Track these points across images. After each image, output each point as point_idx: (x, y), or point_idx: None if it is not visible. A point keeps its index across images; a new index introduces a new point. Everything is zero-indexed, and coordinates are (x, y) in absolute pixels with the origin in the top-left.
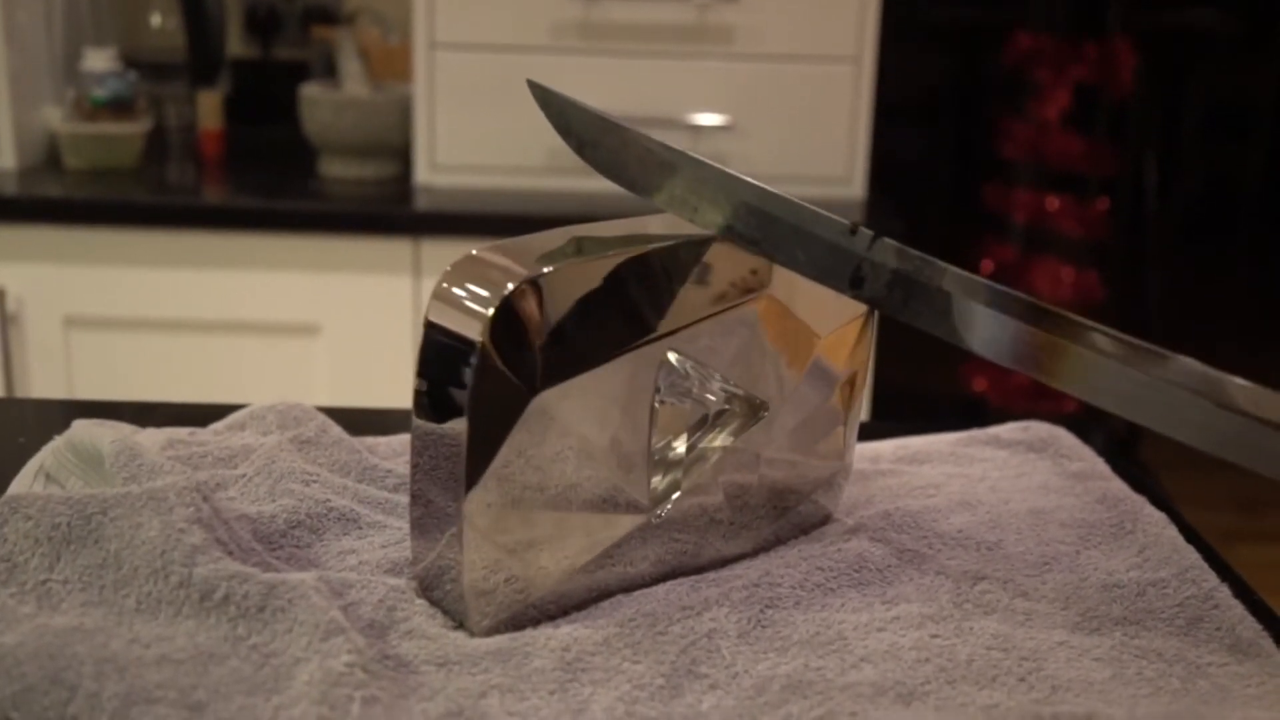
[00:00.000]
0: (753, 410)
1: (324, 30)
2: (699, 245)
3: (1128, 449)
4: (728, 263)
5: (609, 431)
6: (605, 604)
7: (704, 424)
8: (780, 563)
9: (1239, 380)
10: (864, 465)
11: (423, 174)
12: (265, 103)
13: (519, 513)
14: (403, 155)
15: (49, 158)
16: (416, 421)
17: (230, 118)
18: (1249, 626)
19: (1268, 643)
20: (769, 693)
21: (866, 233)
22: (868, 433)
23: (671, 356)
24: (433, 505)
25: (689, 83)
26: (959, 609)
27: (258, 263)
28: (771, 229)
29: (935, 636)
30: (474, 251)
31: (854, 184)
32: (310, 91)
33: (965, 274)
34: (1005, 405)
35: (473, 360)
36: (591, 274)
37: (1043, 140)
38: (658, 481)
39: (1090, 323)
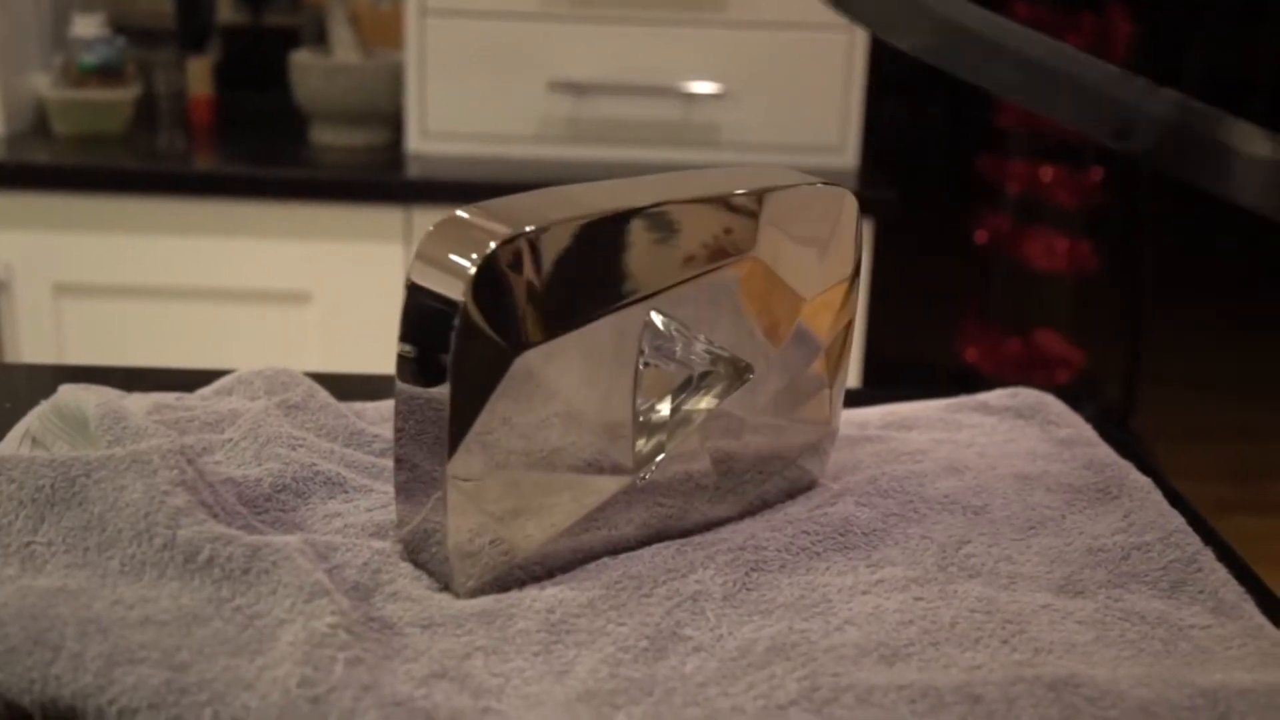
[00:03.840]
0: (737, 373)
1: None
2: (683, 207)
3: (1121, 419)
4: (712, 225)
5: (593, 393)
6: (591, 566)
7: (689, 386)
8: (766, 526)
9: None
10: (851, 431)
11: (414, 141)
12: (256, 69)
13: (504, 475)
14: (394, 122)
15: (38, 124)
16: (400, 385)
17: (220, 84)
18: (1232, 590)
19: (1250, 605)
20: (753, 655)
21: (1144, 80)
22: (857, 400)
23: (655, 318)
24: (417, 469)
25: (681, 50)
26: (944, 572)
27: (248, 230)
28: (1033, 77)
29: (919, 599)
30: (457, 212)
31: (847, 153)
32: (301, 58)
33: (1253, 128)
34: (997, 375)
35: (455, 321)
36: (575, 234)
37: None
38: (642, 444)
39: None
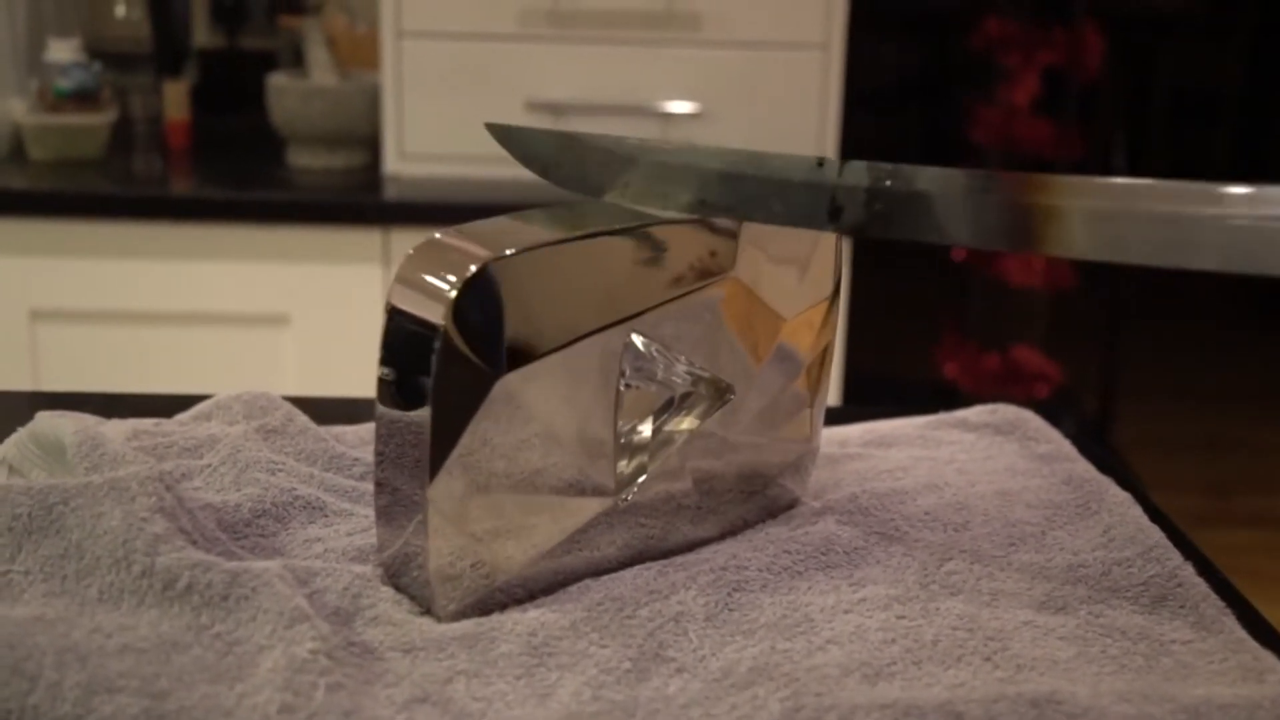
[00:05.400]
0: (718, 393)
1: (291, 19)
2: (662, 228)
3: (1099, 433)
4: (691, 246)
5: (574, 415)
6: (573, 588)
7: (670, 407)
8: (748, 546)
9: (1248, 189)
10: (832, 449)
11: (391, 163)
12: (232, 92)
13: (485, 498)
14: (371, 144)
15: (13, 149)
16: (380, 408)
17: (197, 108)
18: (1212, 604)
19: (1230, 620)
20: (735, 675)
21: (833, 161)
22: (837, 417)
23: (636, 339)
24: (398, 492)
25: (658, 70)
26: (925, 590)
27: (226, 253)
28: (742, 190)
29: (901, 617)
30: (436, 235)
31: None
32: (278, 81)
33: (939, 169)
34: (976, 390)
35: (436, 344)
36: (555, 257)
37: (1012, 125)
38: (624, 466)
39: (1077, 179)
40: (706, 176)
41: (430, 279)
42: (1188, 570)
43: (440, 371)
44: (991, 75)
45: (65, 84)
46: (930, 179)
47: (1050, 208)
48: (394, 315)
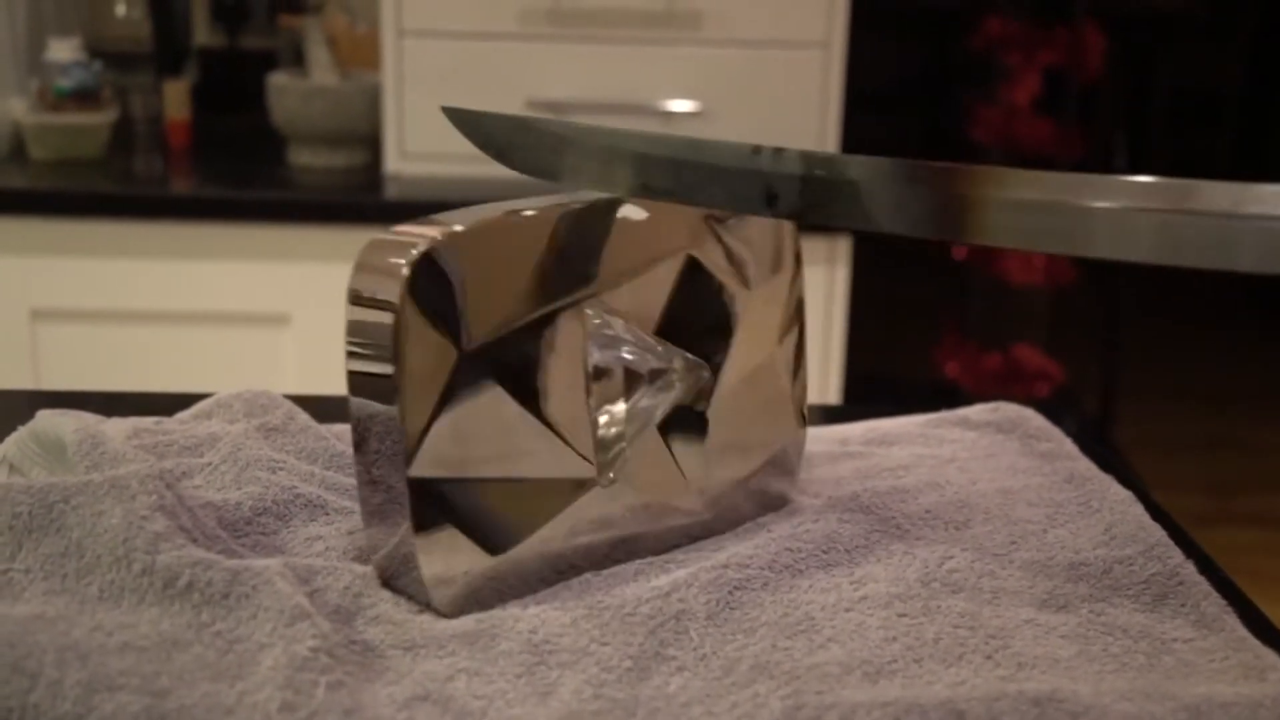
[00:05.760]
0: (691, 371)
1: (291, 19)
2: (616, 204)
3: (1100, 432)
4: (647, 223)
5: (545, 392)
6: (574, 584)
7: (644, 385)
8: (749, 544)
9: (1179, 181)
10: (833, 447)
11: (392, 162)
12: (233, 92)
13: (466, 480)
14: (372, 144)
15: (13, 149)
16: (354, 402)
17: (198, 107)
18: (1214, 602)
19: (1232, 618)
20: (736, 673)
21: (768, 148)
22: (838, 416)
23: (600, 314)
24: (378, 484)
25: (658, 69)
26: (926, 588)
27: (227, 253)
28: (683, 175)
29: (902, 615)
30: (395, 228)
31: None
32: (278, 80)
33: (870, 159)
34: (977, 389)
35: (395, 320)
36: (509, 232)
37: (1013, 125)
38: (605, 440)
39: (1015, 170)
40: (649, 162)
41: (385, 261)
42: (1189, 568)
43: (403, 349)
44: (992, 74)
45: (66, 83)
46: (860, 168)
47: (971, 198)
48: (354, 300)
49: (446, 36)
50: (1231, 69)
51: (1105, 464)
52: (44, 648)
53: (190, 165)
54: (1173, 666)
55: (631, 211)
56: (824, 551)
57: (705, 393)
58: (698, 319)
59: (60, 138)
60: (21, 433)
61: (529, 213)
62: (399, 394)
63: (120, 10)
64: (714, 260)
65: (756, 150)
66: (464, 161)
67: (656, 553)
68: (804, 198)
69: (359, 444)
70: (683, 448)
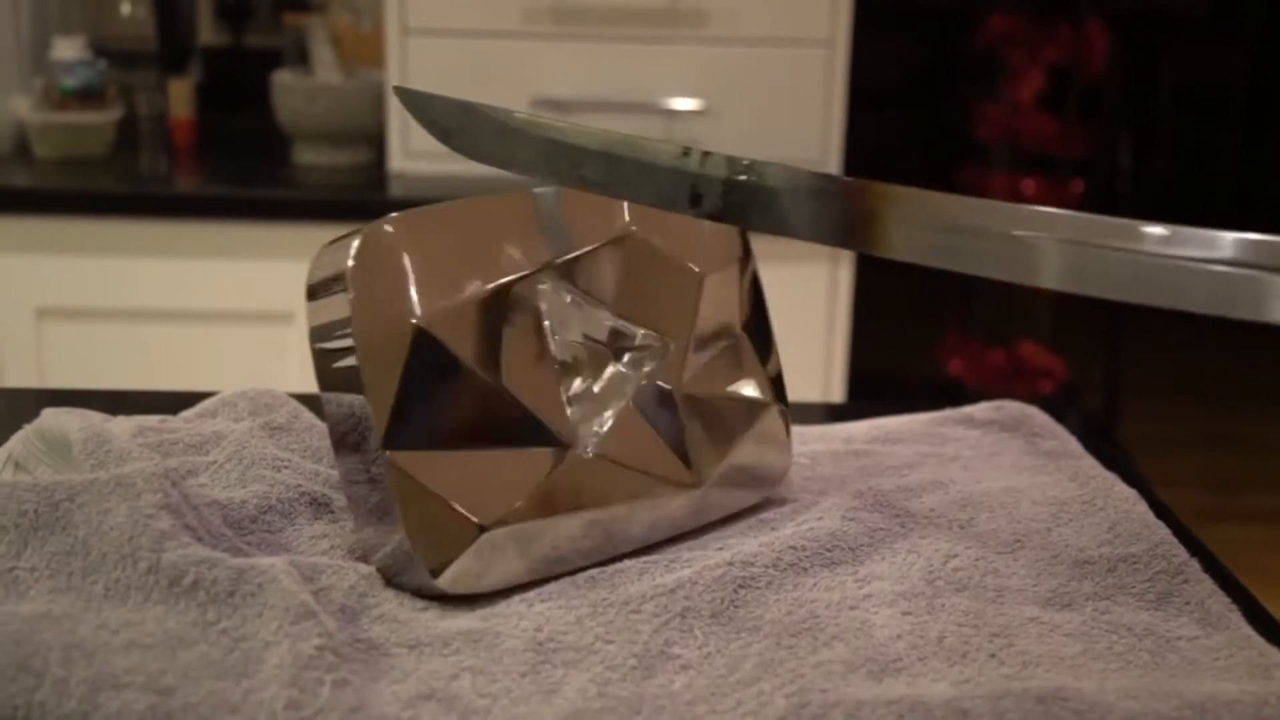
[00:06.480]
0: (655, 345)
1: (296, 17)
2: (564, 190)
3: (1104, 429)
4: (588, 205)
5: (507, 364)
6: (580, 580)
7: (611, 358)
8: (754, 541)
9: (1080, 215)
10: (837, 445)
11: (396, 161)
12: (237, 90)
13: (442, 453)
14: (376, 142)
15: (18, 148)
16: (325, 398)
17: (202, 106)
18: (1219, 600)
19: (1236, 616)
20: (741, 672)
21: (698, 151)
22: (841, 414)
23: (557, 288)
24: (362, 485)
25: (662, 67)
26: (931, 586)
27: (231, 251)
28: (617, 170)
29: (907, 614)
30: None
31: (828, 168)
32: (282, 79)
33: (793, 168)
34: (981, 387)
35: (348, 294)
36: (453, 217)
37: (1017, 122)
38: (578, 412)
39: (921, 192)
40: (586, 155)
41: (333, 257)
42: (1194, 566)
43: (360, 328)
44: (996, 72)
45: (70, 82)
46: (780, 177)
47: (875, 212)
48: (310, 296)
49: (450, 35)
50: (1235, 65)
51: (1110, 462)
52: (49, 646)
53: (195, 164)
54: (1177, 664)
55: (570, 196)
56: (828, 550)
57: (674, 371)
58: (654, 300)
59: (65, 136)
60: (27, 431)
61: (477, 201)
62: (361, 372)
63: (125, 9)
64: (658, 240)
65: (686, 152)
66: (468, 160)
67: (655, 530)
68: (725, 200)
69: (339, 447)
70: (660, 422)
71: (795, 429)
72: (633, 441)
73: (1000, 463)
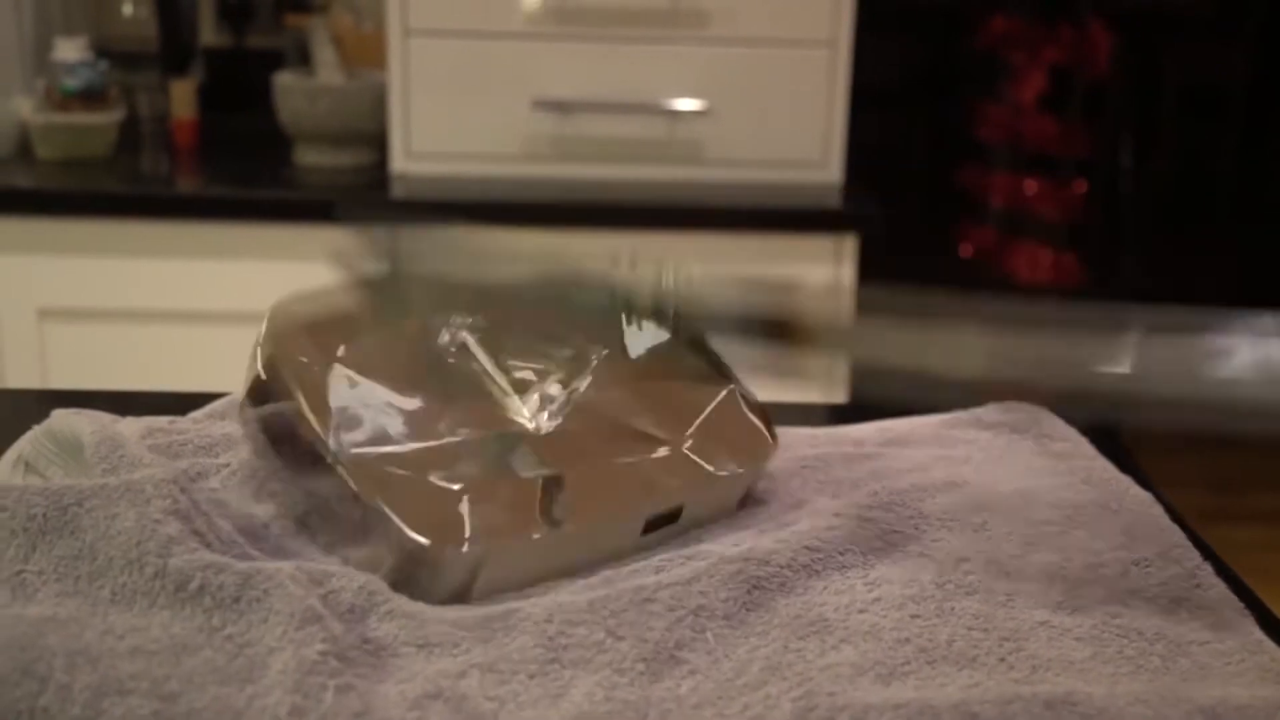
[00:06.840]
0: (587, 350)
1: (297, 18)
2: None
3: (1110, 431)
4: None
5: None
6: (594, 579)
7: (554, 370)
8: (770, 539)
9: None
10: (848, 448)
11: (398, 162)
12: (239, 91)
13: (389, 449)
14: (378, 143)
15: (20, 148)
16: (249, 415)
17: (204, 107)
18: (1231, 605)
19: (1249, 622)
20: (748, 674)
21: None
22: (847, 415)
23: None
24: (333, 511)
25: (664, 68)
26: (941, 590)
27: (233, 252)
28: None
29: (916, 617)
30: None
31: (830, 169)
32: (284, 80)
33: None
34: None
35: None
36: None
37: (1019, 123)
38: (518, 403)
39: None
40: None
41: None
42: (1207, 571)
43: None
44: (998, 72)
45: (72, 83)
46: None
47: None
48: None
49: (452, 36)
50: (1238, 66)
51: (1121, 464)
52: (54, 651)
53: (196, 165)
54: (1188, 669)
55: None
56: (840, 553)
57: (608, 371)
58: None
59: (67, 137)
60: (37, 432)
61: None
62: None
63: (127, 10)
64: None
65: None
66: (469, 161)
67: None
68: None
69: (299, 473)
70: (616, 402)
71: (803, 431)
72: (588, 415)
73: (1012, 465)
